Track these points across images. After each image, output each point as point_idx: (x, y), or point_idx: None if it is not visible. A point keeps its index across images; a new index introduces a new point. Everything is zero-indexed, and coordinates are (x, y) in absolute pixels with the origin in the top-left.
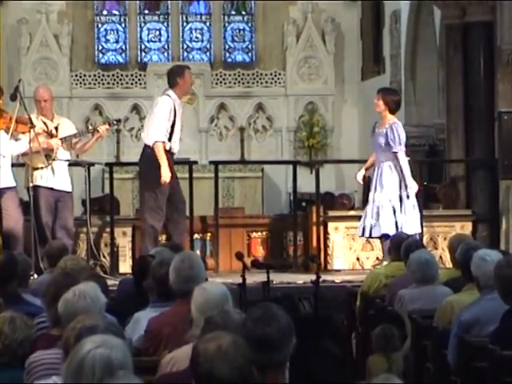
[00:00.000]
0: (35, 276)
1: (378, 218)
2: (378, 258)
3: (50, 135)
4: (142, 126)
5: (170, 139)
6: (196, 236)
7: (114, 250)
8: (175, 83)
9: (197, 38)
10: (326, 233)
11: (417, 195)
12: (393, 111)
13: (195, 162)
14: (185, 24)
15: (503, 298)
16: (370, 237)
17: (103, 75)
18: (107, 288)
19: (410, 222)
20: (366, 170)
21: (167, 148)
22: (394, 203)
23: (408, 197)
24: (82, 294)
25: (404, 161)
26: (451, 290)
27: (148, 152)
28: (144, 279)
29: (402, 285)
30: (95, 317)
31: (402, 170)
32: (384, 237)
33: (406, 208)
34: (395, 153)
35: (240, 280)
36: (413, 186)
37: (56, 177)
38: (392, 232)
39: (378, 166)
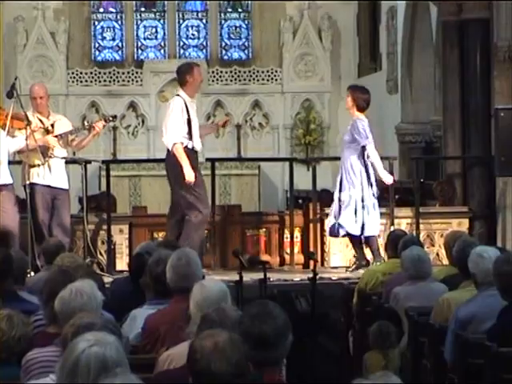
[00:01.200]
0: (32, 273)
1: (340, 216)
2: (354, 256)
3: (47, 132)
4: (139, 124)
5: (190, 138)
6: None
7: (110, 248)
8: (185, 81)
9: (193, 35)
10: (322, 230)
11: (381, 193)
12: (361, 109)
13: None
14: (181, 21)
15: (502, 294)
16: (337, 236)
17: (99, 73)
18: (104, 285)
19: (372, 222)
20: None
21: (190, 146)
22: (358, 202)
23: (374, 195)
24: (79, 292)
25: (374, 154)
26: (448, 287)
27: (171, 156)
28: (140, 277)
29: (398, 282)
30: (93, 314)
31: (373, 164)
32: (353, 237)
33: (368, 208)
34: (364, 147)
35: (237, 277)
36: (387, 179)
37: (52, 174)
38: (357, 232)
39: (343, 164)
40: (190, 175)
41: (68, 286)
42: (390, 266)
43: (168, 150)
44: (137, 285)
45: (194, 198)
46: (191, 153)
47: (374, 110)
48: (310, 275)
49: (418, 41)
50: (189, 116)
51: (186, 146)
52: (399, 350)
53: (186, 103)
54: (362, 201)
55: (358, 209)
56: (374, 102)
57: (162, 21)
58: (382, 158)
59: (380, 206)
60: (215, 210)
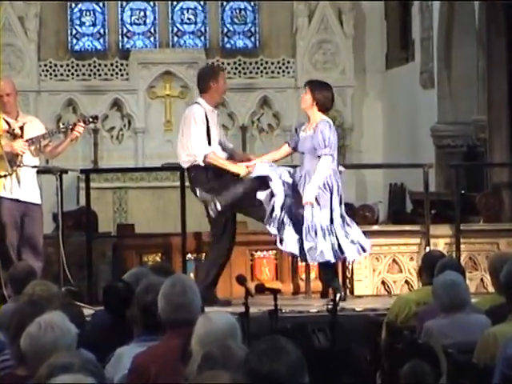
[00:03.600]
0: None
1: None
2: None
3: (14, 136)
4: (125, 126)
5: None
6: (189, 256)
7: (91, 274)
8: (207, 88)
9: (189, 19)
10: None
11: (415, 208)
12: (323, 109)
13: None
14: (174, 3)
15: None
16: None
17: (77, 65)
18: (83, 319)
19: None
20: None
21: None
22: (325, 223)
23: (341, 216)
24: (49, 326)
25: (324, 167)
26: (494, 319)
27: (193, 175)
28: (120, 309)
29: (434, 313)
30: (69, 353)
31: (316, 173)
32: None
33: (336, 230)
34: (319, 156)
35: (242, 308)
36: (309, 198)
37: (22, 187)
38: (330, 258)
39: (301, 175)
40: (239, 169)
41: (36, 320)
42: (425, 295)
43: (187, 169)
44: (120, 318)
45: (246, 200)
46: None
47: (406, 109)
48: (330, 305)
49: (457, 26)
50: (208, 129)
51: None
52: None
53: (206, 113)
54: (332, 222)
55: (328, 230)
56: (406, 98)
57: (151, 3)
58: (414, 166)
59: (414, 222)
60: None
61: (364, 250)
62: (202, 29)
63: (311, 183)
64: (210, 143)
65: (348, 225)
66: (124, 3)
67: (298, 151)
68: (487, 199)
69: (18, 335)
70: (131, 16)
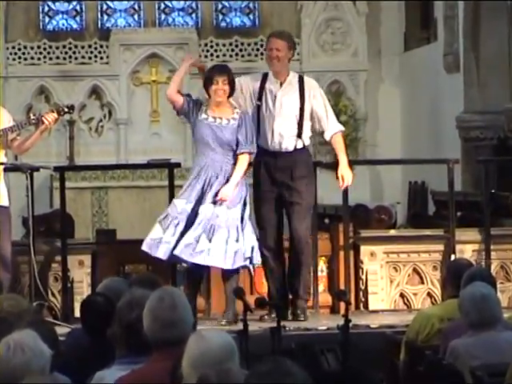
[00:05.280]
0: None
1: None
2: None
3: None
4: (105, 116)
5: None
6: (179, 266)
7: (66, 287)
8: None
9: None
10: (357, 260)
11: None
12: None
13: (177, 165)
14: None
15: None
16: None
17: (50, 47)
18: (57, 338)
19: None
20: None
21: None
22: (231, 225)
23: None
24: (19, 347)
25: (244, 165)
26: None
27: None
28: (100, 327)
29: (461, 331)
30: (43, 377)
31: (234, 171)
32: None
33: (244, 234)
34: (242, 153)
35: (240, 326)
36: (222, 194)
37: None
38: (227, 265)
39: (209, 172)
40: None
41: (3, 340)
42: (450, 309)
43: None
44: (100, 337)
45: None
46: None
47: (427, 96)
48: (341, 322)
49: (486, 1)
50: None
51: None
52: None
53: None
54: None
55: (232, 235)
56: (427, 84)
57: None
58: (437, 161)
59: (437, 226)
60: None
61: None
62: (193, 5)
63: (230, 182)
64: None
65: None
66: None
67: None
68: None
69: None
70: None
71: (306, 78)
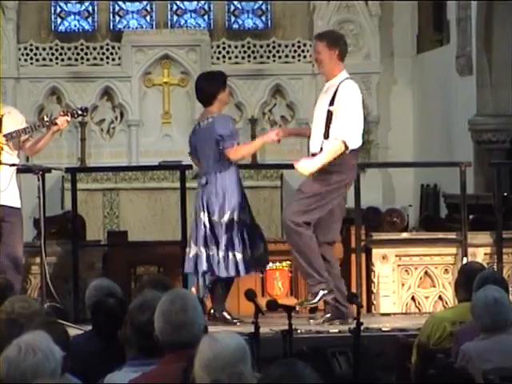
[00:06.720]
0: None
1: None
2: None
3: None
4: (117, 118)
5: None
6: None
7: (77, 288)
8: None
9: None
10: (369, 263)
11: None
12: None
13: (189, 167)
14: None
15: None
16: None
17: (62, 48)
18: (69, 340)
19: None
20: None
21: None
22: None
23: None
24: (31, 348)
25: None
26: None
27: None
28: (112, 329)
29: (473, 334)
30: (55, 379)
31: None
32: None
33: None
34: (224, 149)
35: (251, 328)
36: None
37: None
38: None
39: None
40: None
41: (14, 342)
42: (462, 313)
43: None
44: (111, 339)
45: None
46: None
47: (440, 99)
48: (353, 325)
49: (499, 3)
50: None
51: None
52: None
53: None
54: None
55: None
56: (440, 87)
57: None
58: (450, 164)
59: (449, 229)
60: None
61: None
62: (206, 6)
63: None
64: None
65: None
66: None
67: None
68: None
69: None
70: None
71: (344, 83)
